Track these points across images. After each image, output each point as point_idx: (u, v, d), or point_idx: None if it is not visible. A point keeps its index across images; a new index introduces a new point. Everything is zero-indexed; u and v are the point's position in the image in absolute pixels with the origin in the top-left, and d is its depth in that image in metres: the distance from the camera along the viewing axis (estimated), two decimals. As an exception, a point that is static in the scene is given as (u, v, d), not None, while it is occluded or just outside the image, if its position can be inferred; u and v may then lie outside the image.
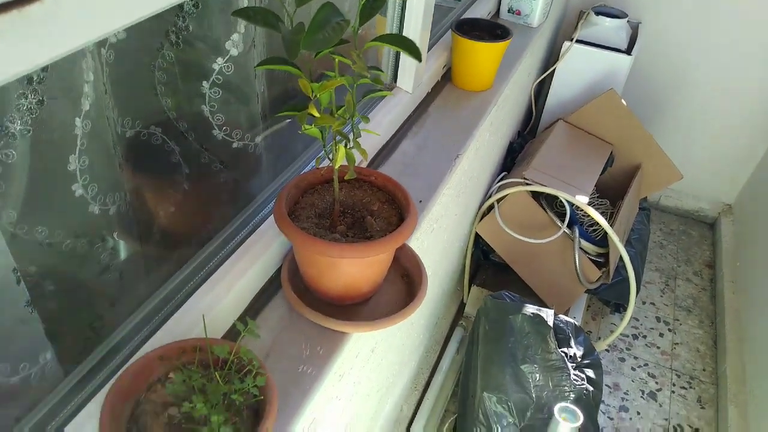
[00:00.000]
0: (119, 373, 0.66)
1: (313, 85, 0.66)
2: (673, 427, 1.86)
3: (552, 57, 2.52)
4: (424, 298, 0.90)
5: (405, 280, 0.95)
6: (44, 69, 0.54)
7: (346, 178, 0.82)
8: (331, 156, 0.75)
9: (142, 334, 0.73)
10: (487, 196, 1.89)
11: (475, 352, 1.60)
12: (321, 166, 0.86)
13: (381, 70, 0.72)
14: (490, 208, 1.84)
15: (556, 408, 1.30)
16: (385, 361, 1.31)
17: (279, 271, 0.92)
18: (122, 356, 0.71)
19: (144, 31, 0.72)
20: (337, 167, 0.77)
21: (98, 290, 0.74)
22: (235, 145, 0.86)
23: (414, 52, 0.64)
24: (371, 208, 0.87)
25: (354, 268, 0.82)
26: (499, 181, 1.88)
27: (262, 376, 0.65)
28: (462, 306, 2.05)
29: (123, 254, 0.76)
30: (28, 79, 0.53)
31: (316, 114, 0.67)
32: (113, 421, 0.63)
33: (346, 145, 0.75)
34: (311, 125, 0.71)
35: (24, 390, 0.64)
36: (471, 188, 1.68)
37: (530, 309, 1.54)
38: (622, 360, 2.08)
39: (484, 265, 2.01)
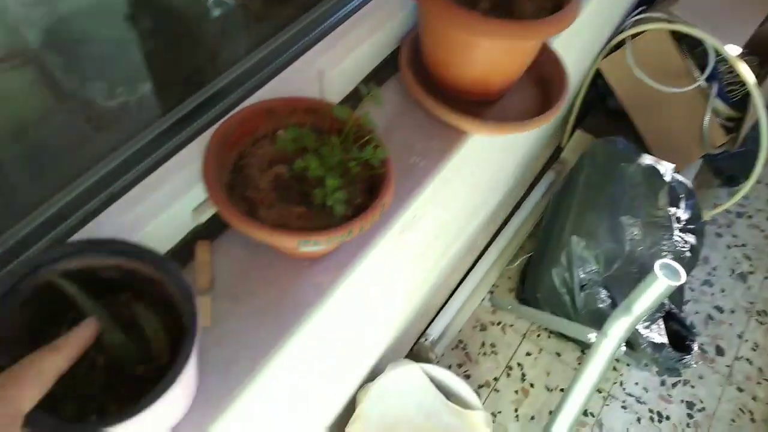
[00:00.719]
0: (224, 118, 0.60)
1: None
2: (757, 311, 1.77)
3: None
4: (561, 108, 0.77)
5: (539, 87, 0.82)
6: None
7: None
8: None
9: (249, 85, 0.65)
10: (619, 29, 1.63)
11: (570, 196, 1.50)
12: None
13: None
14: (620, 44, 1.60)
15: (657, 263, 1.21)
16: (481, 181, 1.23)
17: (394, 54, 0.80)
18: (225, 105, 0.64)
19: None
20: None
21: (203, 34, 0.65)
22: None
23: None
24: (525, -14, 0.72)
25: (494, 53, 0.69)
26: (636, 14, 1.61)
27: (383, 148, 0.57)
28: (558, 150, 1.90)
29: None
30: None
31: None
32: (218, 166, 0.58)
33: None
34: None
35: (121, 118, 0.59)
36: (602, 17, 1.44)
37: (647, 160, 1.39)
38: (719, 236, 1.93)
39: (595, 110, 1.82)
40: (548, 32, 0.65)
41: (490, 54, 0.69)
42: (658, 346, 1.43)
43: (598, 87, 1.75)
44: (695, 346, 1.38)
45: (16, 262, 0.51)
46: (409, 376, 1.44)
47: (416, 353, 1.63)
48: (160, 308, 0.53)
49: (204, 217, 0.62)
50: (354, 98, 0.74)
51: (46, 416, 0.40)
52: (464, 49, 0.69)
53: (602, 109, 1.81)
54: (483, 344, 1.73)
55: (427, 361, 1.51)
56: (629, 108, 1.67)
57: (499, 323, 1.75)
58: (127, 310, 0.51)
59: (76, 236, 0.54)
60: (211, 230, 0.66)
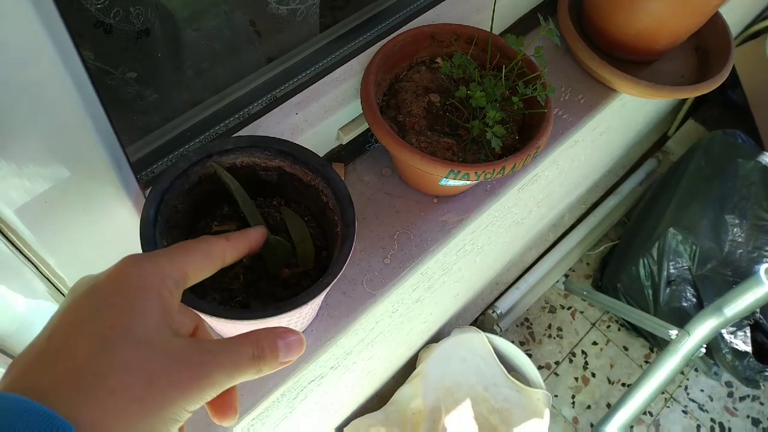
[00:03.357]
0: (388, 38, 0.58)
1: None
2: None
3: None
4: (723, 80, 0.72)
5: (697, 55, 0.77)
6: None
7: None
8: None
9: (415, 7, 0.63)
10: (761, 16, 1.52)
11: (672, 186, 1.42)
12: None
13: None
14: (757, 34, 1.49)
15: (763, 267, 1.14)
16: (596, 153, 1.18)
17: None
18: (389, 25, 0.62)
19: None
20: None
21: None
22: None
23: None
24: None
25: (669, 6, 0.64)
26: (784, 1, 1.49)
27: (551, 87, 0.54)
28: (663, 138, 1.81)
29: None
30: None
31: None
32: (375, 85, 0.56)
33: None
34: None
35: (288, 24, 0.58)
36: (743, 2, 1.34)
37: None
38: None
39: (712, 100, 1.71)
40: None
41: (666, 6, 0.64)
42: (740, 354, 1.36)
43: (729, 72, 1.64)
44: (783, 361, 1.31)
45: (191, 148, 0.52)
46: (474, 343, 1.42)
47: (481, 323, 1.61)
48: (307, 216, 0.52)
49: (347, 138, 0.61)
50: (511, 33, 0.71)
51: (198, 299, 0.41)
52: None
53: (720, 100, 1.70)
54: (550, 326, 1.69)
55: (492, 333, 1.49)
56: (754, 104, 1.57)
57: (569, 308, 1.71)
58: (278, 215, 0.51)
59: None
60: (346, 154, 0.65)
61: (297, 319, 0.49)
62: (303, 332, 0.56)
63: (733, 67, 1.55)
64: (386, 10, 0.61)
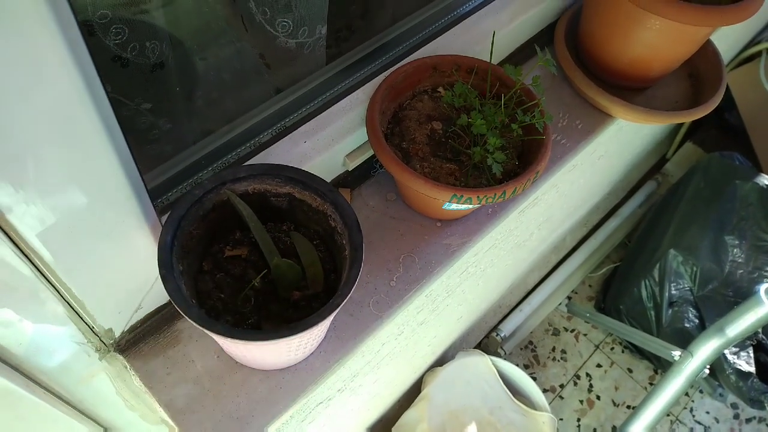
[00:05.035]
0: (392, 69, 0.61)
1: None
2: None
3: None
4: (715, 105, 0.74)
5: (690, 81, 0.79)
6: None
7: None
8: None
9: (415, 40, 0.66)
10: (754, 41, 1.55)
11: (672, 206, 1.44)
12: None
13: None
14: (752, 57, 1.53)
15: (763, 287, 1.15)
16: (596, 176, 1.20)
17: (551, 27, 0.79)
18: (391, 57, 0.65)
19: None
20: None
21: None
22: None
23: None
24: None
25: (660, 36, 0.67)
26: (776, 27, 1.53)
27: (548, 114, 0.57)
28: (662, 160, 1.83)
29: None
30: None
31: None
32: (380, 114, 0.59)
33: None
34: None
35: (296, 56, 0.61)
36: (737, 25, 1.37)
37: (765, 180, 1.32)
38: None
39: (708, 122, 1.74)
40: (726, 21, 0.63)
41: (656, 36, 0.67)
42: (744, 375, 1.36)
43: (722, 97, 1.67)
44: (787, 382, 1.32)
45: (205, 176, 0.54)
46: (478, 367, 1.43)
47: (485, 346, 1.62)
48: (316, 240, 0.54)
49: (353, 164, 0.63)
50: (509, 63, 0.74)
51: (212, 322, 0.42)
52: (633, 26, 0.67)
53: (718, 123, 1.73)
54: (554, 349, 1.69)
55: (496, 356, 1.50)
56: (750, 125, 1.59)
57: (572, 330, 1.72)
58: (288, 239, 0.53)
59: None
60: (352, 179, 0.67)
61: (307, 340, 0.50)
62: (312, 354, 0.57)
63: (729, 90, 1.58)
64: (390, 42, 0.64)
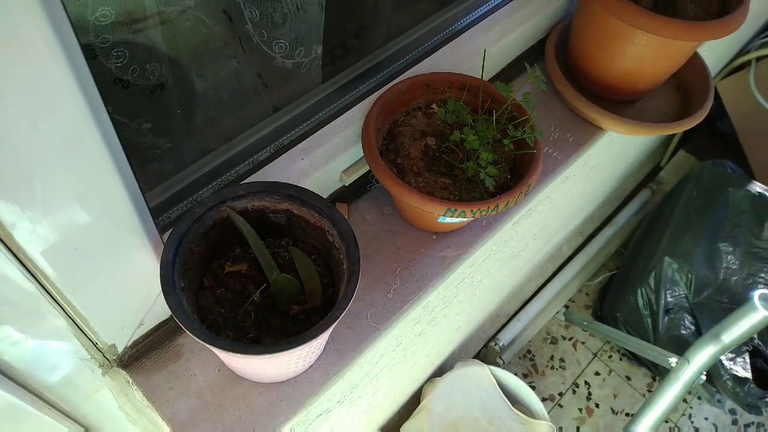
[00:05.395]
0: (387, 86, 0.62)
1: None
2: None
3: None
4: (704, 116, 0.76)
5: (679, 93, 0.81)
6: None
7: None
8: None
9: (410, 57, 0.68)
10: (744, 50, 1.58)
11: (667, 215, 1.46)
12: None
13: None
14: (742, 66, 1.55)
15: (757, 293, 1.16)
16: (587, 186, 1.22)
17: (541, 43, 0.81)
18: (387, 74, 0.66)
19: None
20: None
21: (376, 5, 0.68)
22: None
23: None
24: (687, -12, 0.71)
25: (648, 51, 0.69)
26: (764, 36, 1.55)
27: (539, 129, 0.58)
28: (656, 169, 1.85)
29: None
30: None
31: None
32: (375, 131, 0.60)
33: None
34: None
35: (293, 76, 0.62)
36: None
37: (757, 187, 1.34)
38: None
39: (701, 131, 1.76)
40: (711, 36, 0.65)
41: (644, 51, 0.68)
42: (741, 381, 1.37)
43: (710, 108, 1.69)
44: (783, 387, 1.32)
45: (204, 194, 0.55)
46: (477, 376, 1.43)
47: (484, 356, 1.62)
48: (314, 255, 0.55)
49: (350, 179, 0.64)
50: (500, 78, 0.75)
51: (213, 337, 0.44)
52: (620, 42, 0.69)
53: (710, 131, 1.75)
54: (552, 357, 1.70)
55: (495, 365, 1.51)
56: (742, 133, 1.62)
57: (570, 338, 1.72)
58: (287, 254, 0.54)
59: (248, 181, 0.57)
60: (349, 194, 0.68)
61: (306, 353, 0.51)
62: (311, 366, 0.58)
63: (720, 99, 1.61)
64: (384, 60, 0.66)
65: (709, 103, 0.75)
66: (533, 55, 0.80)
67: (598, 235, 1.67)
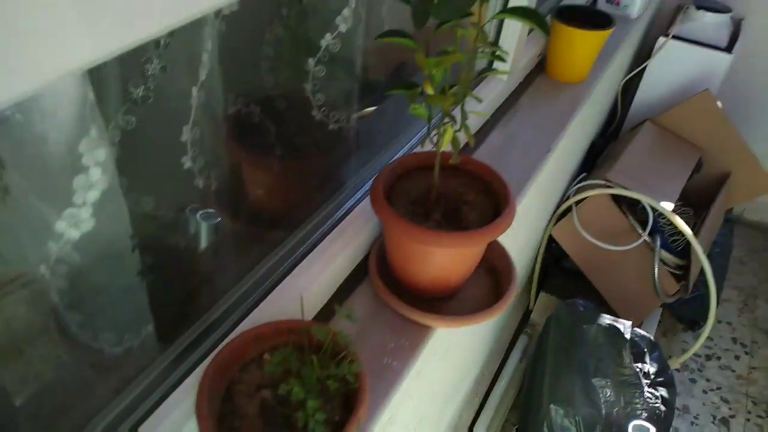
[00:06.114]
0: (217, 349, 0.65)
1: (430, 60, 0.63)
2: (750, 457, 1.75)
3: (643, 53, 2.40)
4: (514, 295, 0.86)
5: (491, 276, 0.92)
6: (171, 34, 0.53)
7: (451, 162, 0.79)
8: (435, 139, 0.73)
9: (239, 312, 0.72)
10: (565, 197, 1.82)
11: (542, 361, 1.54)
12: (422, 150, 0.83)
13: (500, 48, 0.69)
14: (567, 210, 1.78)
15: (631, 426, 1.23)
16: (456, 362, 1.28)
17: (365, 259, 0.90)
18: (218, 335, 0.70)
19: (258, 3, 0.71)
20: (441, 150, 0.75)
21: (194, 267, 0.73)
22: (331, 126, 0.84)
23: (543, 26, 0.61)
24: (466, 198, 0.84)
25: (447, 258, 0.79)
26: (578, 183, 1.81)
27: (357, 362, 0.63)
28: (527, 313, 1.98)
29: (220, 232, 0.75)
30: (156, 44, 0.52)
31: (431, 91, 0.64)
32: (210, 399, 0.62)
33: (452, 128, 0.72)
34: (421, 104, 0.68)
35: (123, 362, 0.64)
36: (549, 188, 1.62)
37: (606, 320, 1.47)
38: (693, 381, 1.97)
39: (553, 271, 1.95)
40: (491, 237, 0.76)
41: (444, 259, 0.78)
42: None
43: (553, 250, 1.89)
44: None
45: None
46: None
47: None
48: None
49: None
50: (329, 309, 0.81)
51: None
52: (422, 257, 0.78)
53: (560, 270, 1.93)
54: None
55: None
56: (584, 268, 1.80)
57: (496, 503, 1.68)
58: None
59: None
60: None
61: None
62: None
63: (556, 242, 1.80)
64: (212, 324, 0.70)
65: (515, 284, 0.85)
66: (360, 273, 0.88)
67: (492, 392, 1.71)
